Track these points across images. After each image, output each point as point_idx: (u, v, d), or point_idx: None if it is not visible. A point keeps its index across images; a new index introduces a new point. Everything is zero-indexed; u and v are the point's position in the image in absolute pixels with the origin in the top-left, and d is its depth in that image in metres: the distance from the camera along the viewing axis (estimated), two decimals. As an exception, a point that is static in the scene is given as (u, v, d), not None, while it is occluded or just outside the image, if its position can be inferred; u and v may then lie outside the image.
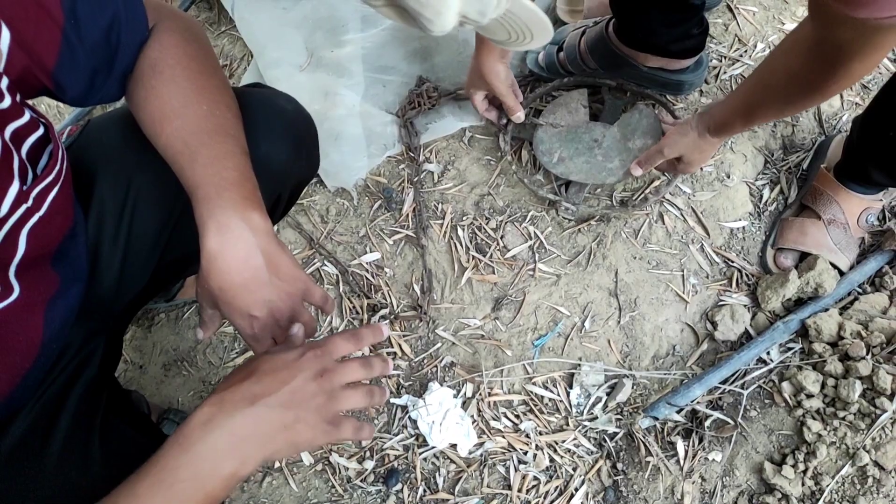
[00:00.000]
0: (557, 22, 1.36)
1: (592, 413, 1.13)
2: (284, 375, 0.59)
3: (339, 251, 1.26)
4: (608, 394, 1.14)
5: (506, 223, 1.24)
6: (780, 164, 1.27)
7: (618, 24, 1.16)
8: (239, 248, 0.60)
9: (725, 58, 1.32)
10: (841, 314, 1.11)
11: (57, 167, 0.60)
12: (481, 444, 1.12)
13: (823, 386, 1.04)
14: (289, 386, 0.58)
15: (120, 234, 0.73)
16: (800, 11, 1.37)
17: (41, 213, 0.59)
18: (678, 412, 1.10)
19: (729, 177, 1.24)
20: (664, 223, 1.22)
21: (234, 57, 1.50)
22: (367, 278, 1.24)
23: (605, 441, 1.11)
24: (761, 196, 1.25)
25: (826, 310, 1.12)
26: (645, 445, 1.09)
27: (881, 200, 1.17)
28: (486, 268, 1.21)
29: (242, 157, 0.64)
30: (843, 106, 1.30)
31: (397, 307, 1.21)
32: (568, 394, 1.14)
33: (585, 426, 1.12)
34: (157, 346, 1.24)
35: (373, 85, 1.38)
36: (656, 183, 1.23)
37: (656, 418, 1.10)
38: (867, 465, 0.97)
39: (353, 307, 1.22)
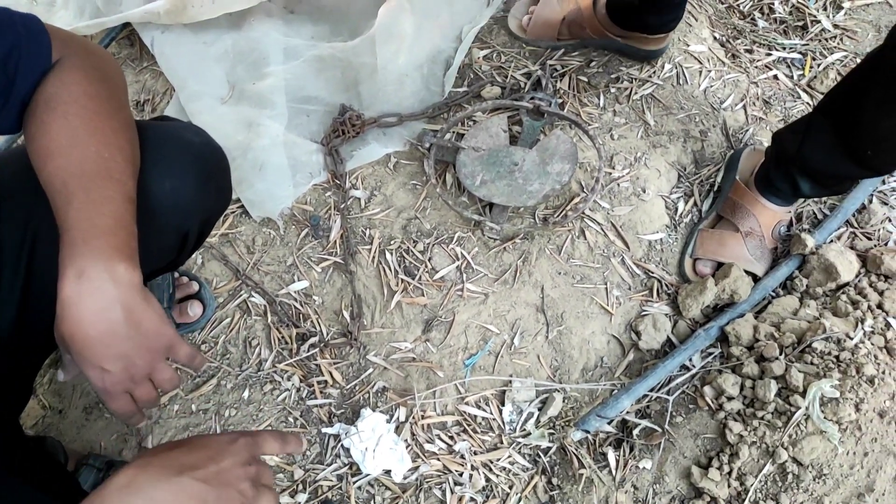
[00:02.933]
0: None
1: (525, 429, 1.13)
2: (214, 454, 0.58)
3: (266, 281, 1.25)
4: (540, 409, 1.15)
5: (433, 245, 1.25)
6: (693, 178, 1.32)
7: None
8: (96, 298, 0.58)
9: (636, 79, 1.38)
10: (756, 318, 1.15)
11: None
12: (416, 469, 1.11)
13: (742, 388, 1.08)
14: (217, 465, 0.57)
15: (19, 271, 0.71)
16: (704, 33, 1.45)
17: None
18: (608, 423, 1.12)
19: (645, 191, 1.29)
20: (586, 238, 1.25)
21: (157, 91, 1.48)
22: (295, 307, 1.22)
23: (540, 456, 1.12)
24: (676, 209, 1.30)
25: (742, 315, 1.16)
26: (578, 458, 1.10)
27: (790, 213, 1.23)
28: (416, 290, 1.22)
29: (123, 205, 0.62)
30: (748, 120, 1.37)
31: (327, 335, 1.20)
32: (500, 411, 1.14)
33: (519, 443, 1.13)
34: (76, 388, 1.19)
35: (296, 115, 1.38)
36: (576, 200, 1.27)
37: (588, 431, 1.12)
38: (786, 461, 1.01)
39: (282, 337, 1.20)
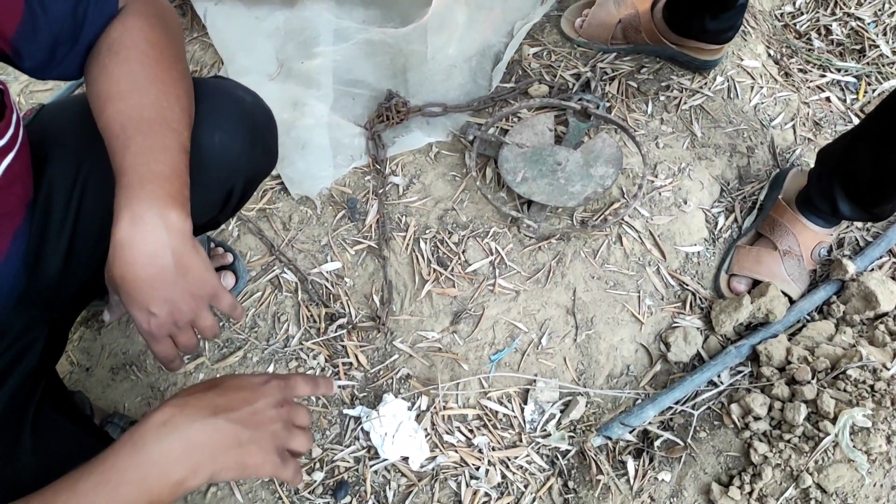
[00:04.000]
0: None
1: (546, 430, 1.13)
2: (248, 395, 0.59)
3: (299, 259, 1.25)
4: (562, 411, 1.14)
5: (468, 238, 1.25)
6: (736, 194, 1.30)
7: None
8: (148, 242, 0.59)
9: (687, 89, 1.36)
10: (789, 340, 1.14)
11: (11, 130, 0.59)
12: (433, 459, 1.11)
13: (770, 409, 1.06)
14: (251, 406, 0.58)
15: (68, 217, 0.72)
16: (759, 49, 1.43)
17: None
18: (630, 432, 1.11)
19: (686, 203, 1.27)
20: (622, 245, 1.24)
21: (205, 63, 1.50)
22: (326, 287, 1.23)
23: (558, 458, 1.11)
24: (716, 223, 1.28)
25: (776, 335, 1.14)
26: (596, 464, 1.09)
27: (832, 235, 1.21)
28: (447, 281, 1.22)
29: (178, 154, 0.63)
30: (797, 140, 1.35)
31: (356, 317, 1.21)
32: (522, 410, 1.14)
33: (538, 443, 1.12)
34: (105, 348, 1.20)
35: (342, 97, 1.39)
36: (616, 205, 1.26)
37: (609, 438, 1.11)
38: (810, 487, 0.99)
39: (311, 315, 1.20)
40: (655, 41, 1.33)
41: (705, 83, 1.37)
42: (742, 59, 1.40)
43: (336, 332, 1.19)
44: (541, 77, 1.38)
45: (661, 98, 1.35)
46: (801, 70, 1.44)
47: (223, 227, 1.28)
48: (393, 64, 1.39)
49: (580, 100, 1.30)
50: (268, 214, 1.29)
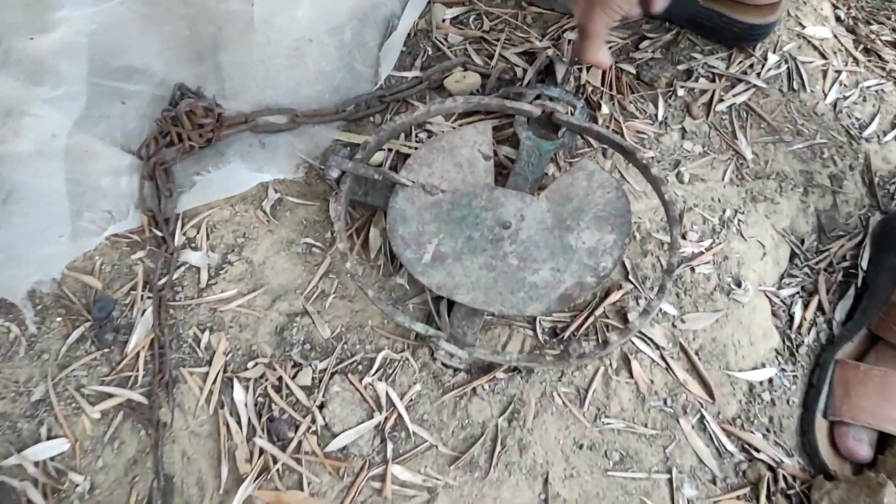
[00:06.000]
0: None
1: None
2: None
3: (-20, 436, 0.61)
4: None
5: (333, 374, 0.63)
6: (817, 259, 0.73)
7: None
8: None
9: (721, 76, 0.78)
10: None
11: None
12: None
13: None
14: None
15: None
16: (824, 8, 0.86)
17: None
18: None
19: (740, 285, 0.69)
20: (630, 374, 0.64)
21: None
22: (31, 501, 0.58)
23: None
24: (791, 317, 0.71)
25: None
26: None
27: None
28: (288, 474, 0.59)
29: None
30: (905, 162, 0.79)
31: (91, 567, 0.57)
32: None
33: None
34: None
35: (102, 100, 0.74)
36: (613, 296, 0.66)
37: None
38: None
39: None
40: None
41: (751, 65, 0.79)
42: (804, 27, 0.83)
43: None
44: (467, 59, 0.78)
45: (680, 92, 0.77)
46: (889, 43, 0.88)
47: None
48: (193, 37, 0.75)
49: (538, 97, 0.70)
50: (-82, 342, 0.63)
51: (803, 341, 0.70)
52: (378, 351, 0.64)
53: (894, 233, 0.72)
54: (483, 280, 0.59)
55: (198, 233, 0.69)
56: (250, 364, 0.64)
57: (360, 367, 0.64)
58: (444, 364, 0.64)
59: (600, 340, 0.65)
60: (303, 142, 0.73)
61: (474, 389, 0.63)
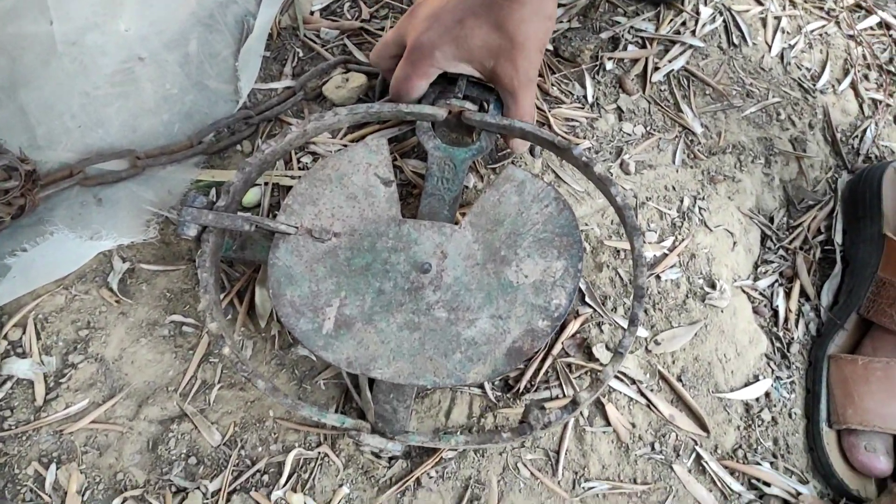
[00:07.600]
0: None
1: None
2: None
3: None
4: None
5: (230, 494, 0.48)
6: (790, 238, 0.63)
7: None
8: None
9: (651, 39, 0.66)
10: None
11: None
12: None
13: None
14: None
15: None
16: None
17: None
18: None
19: (714, 286, 0.57)
20: (607, 421, 0.52)
21: None
22: None
23: None
24: (775, 311, 0.60)
25: None
26: None
27: None
28: None
29: None
30: (864, 111, 0.69)
31: None
32: None
33: None
34: None
35: None
36: (573, 326, 0.53)
37: None
38: None
39: None
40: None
41: (683, 23, 0.68)
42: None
43: None
44: (347, 56, 0.63)
45: (609, 66, 0.65)
46: (822, -20, 0.78)
47: None
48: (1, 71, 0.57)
49: (443, 93, 0.56)
50: None
51: (793, 338, 0.59)
52: (287, 451, 0.49)
53: (866, 196, 0.62)
54: (406, 345, 0.45)
55: (23, 333, 0.52)
56: (117, 501, 0.47)
57: (265, 479, 0.49)
58: (374, 454, 0.49)
59: (564, 390, 0.52)
60: (151, 190, 0.56)
61: (418, 480, 0.49)
